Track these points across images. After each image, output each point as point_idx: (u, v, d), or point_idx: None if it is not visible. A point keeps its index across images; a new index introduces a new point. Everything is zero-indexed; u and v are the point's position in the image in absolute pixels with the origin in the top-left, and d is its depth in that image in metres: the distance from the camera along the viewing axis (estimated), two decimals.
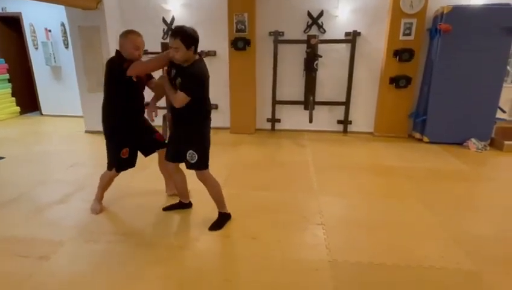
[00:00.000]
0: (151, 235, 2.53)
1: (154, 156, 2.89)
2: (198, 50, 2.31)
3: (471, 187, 3.48)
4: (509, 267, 2.18)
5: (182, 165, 2.62)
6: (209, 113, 2.48)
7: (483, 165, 4.14)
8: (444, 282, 2.03)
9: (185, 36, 2.17)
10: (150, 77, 2.72)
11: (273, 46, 5.19)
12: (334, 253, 2.29)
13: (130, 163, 2.73)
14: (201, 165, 2.48)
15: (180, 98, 2.24)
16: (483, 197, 3.29)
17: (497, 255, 2.30)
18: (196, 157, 2.42)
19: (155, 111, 2.57)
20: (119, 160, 2.65)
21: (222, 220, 2.65)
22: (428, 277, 2.07)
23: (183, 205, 2.91)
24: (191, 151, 2.41)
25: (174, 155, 2.58)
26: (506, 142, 4.56)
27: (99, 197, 2.89)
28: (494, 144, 4.74)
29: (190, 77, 2.24)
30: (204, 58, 2.41)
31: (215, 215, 2.68)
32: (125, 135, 2.63)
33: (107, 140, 2.66)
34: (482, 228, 2.67)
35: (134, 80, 2.48)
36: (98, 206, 2.87)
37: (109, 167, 2.73)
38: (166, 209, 2.90)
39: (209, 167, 2.52)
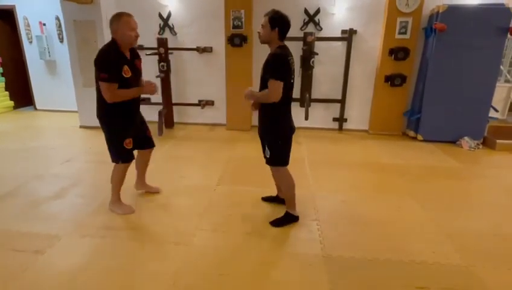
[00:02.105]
0: (146, 230, 2.54)
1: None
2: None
3: (463, 185, 3.53)
4: (498, 262, 2.23)
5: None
6: (288, 105, 2.34)
7: (476, 163, 4.20)
8: (435, 277, 2.06)
9: (273, 16, 2.23)
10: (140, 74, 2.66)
11: None
12: (328, 248, 2.33)
13: (132, 155, 2.68)
14: (275, 161, 2.42)
15: (274, 87, 2.13)
16: (475, 195, 3.34)
17: (487, 251, 2.35)
18: (269, 153, 2.38)
19: (154, 85, 2.53)
20: (125, 151, 2.59)
21: (285, 219, 2.59)
22: (420, 271, 2.11)
23: (281, 200, 2.78)
24: (266, 145, 2.39)
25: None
26: (499, 141, 4.63)
27: (116, 197, 2.77)
28: (487, 143, 4.81)
29: (274, 60, 2.17)
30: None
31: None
32: (125, 126, 2.56)
33: (108, 133, 2.56)
34: (473, 224, 2.72)
35: (126, 76, 2.41)
36: (123, 206, 2.77)
37: (115, 160, 2.65)
38: (265, 199, 2.93)
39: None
